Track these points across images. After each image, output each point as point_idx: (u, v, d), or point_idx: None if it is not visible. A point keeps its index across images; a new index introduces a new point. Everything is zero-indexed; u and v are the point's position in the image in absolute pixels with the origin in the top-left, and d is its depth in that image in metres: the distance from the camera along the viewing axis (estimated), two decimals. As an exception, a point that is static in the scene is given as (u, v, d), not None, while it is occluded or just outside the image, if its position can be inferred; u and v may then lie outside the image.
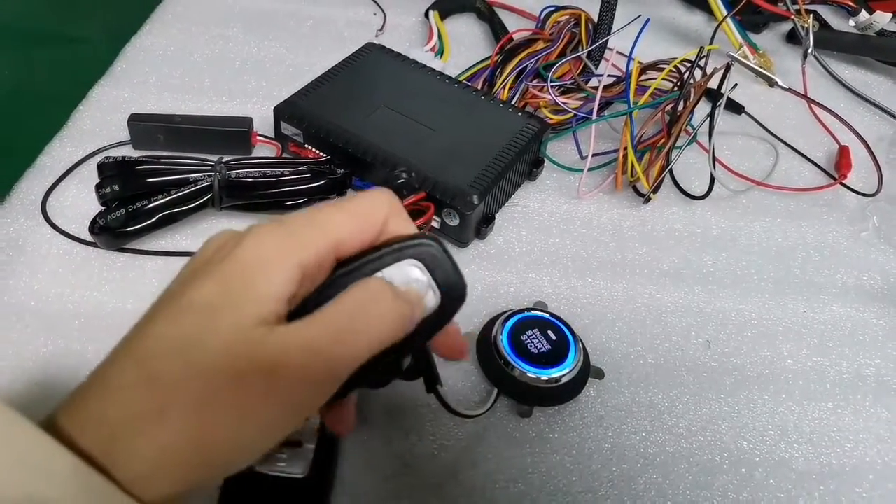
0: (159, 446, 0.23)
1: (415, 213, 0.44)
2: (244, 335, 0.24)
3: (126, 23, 0.65)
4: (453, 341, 0.32)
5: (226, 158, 0.48)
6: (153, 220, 0.45)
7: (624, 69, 0.54)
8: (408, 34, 0.67)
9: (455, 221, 0.48)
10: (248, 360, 0.23)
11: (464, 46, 0.67)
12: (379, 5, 0.69)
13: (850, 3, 0.71)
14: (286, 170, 0.47)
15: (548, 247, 0.51)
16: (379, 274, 0.27)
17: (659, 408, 0.42)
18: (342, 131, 0.50)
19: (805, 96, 0.59)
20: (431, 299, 0.28)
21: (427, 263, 0.27)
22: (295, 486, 0.34)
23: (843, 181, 0.57)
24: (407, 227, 0.28)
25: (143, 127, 0.52)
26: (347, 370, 0.25)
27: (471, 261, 0.49)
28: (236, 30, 0.65)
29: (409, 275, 0.27)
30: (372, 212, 0.27)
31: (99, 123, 0.55)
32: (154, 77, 0.60)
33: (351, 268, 0.26)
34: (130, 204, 0.45)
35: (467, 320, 0.45)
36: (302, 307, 0.26)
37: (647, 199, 0.53)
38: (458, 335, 0.33)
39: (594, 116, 0.52)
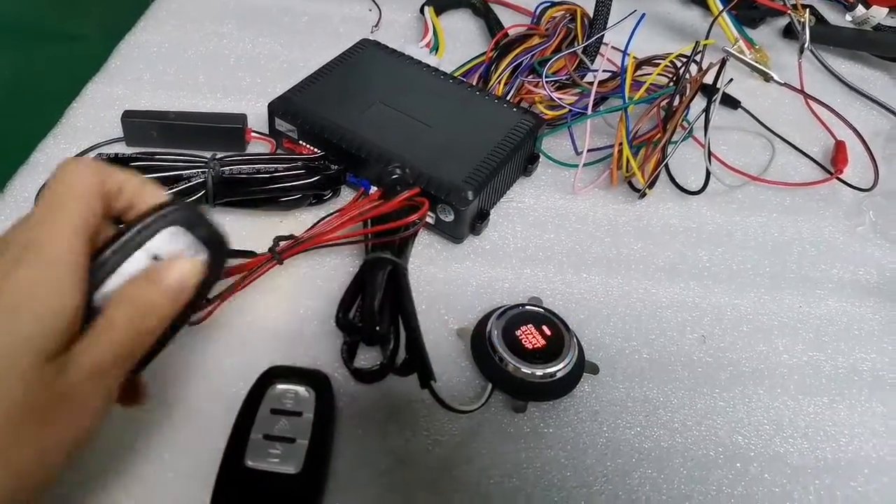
0: None
1: (409, 209, 0.44)
2: (35, 377, 0.24)
3: (121, 20, 0.65)
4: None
5: (220, 155, 0.48)
6: (147, 216, 0.45)
7: (619, 64, 0.54)
8: (403, 30, 0.67)
9: (450, 217, 0.47)
10: (44, 396, 0.25)
11: (459, 42, 0.66)
12: (374, 1, 0.69)
13: (846, -2, 0.71)
14: (280, 166, 0.47)
15: (543, 242, 0.50)
16: (144, 247, 0.28)
17: (654, 403, 0.42)
18: (336, 127, 0.50)
19: (801, 91, 0.59)
20: (201, 257, 0.29)
21: (187, 225, 0.29)
22: (288, 482, 0.34)
23: (840, 176, 0.57)
24: (153, 193, 0.29)
25: (137, 124, 0.52)
26: (134, 366, 0.27)
27: (465, 256, 0.49)
28: (231, 26, 0.65)
29: (174, 242, 0.28)
30: (82, 189, 0.27)
31: (93, 120, 0.55)
32: (148, 74, 0.59)
33: (116, 247, 0.28)
34: (124, 201, 0.45)
35: (461, 316, 0.45)
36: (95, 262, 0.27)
37: (643, 195, 0.53)
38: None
39: (589, 112, 0.51)
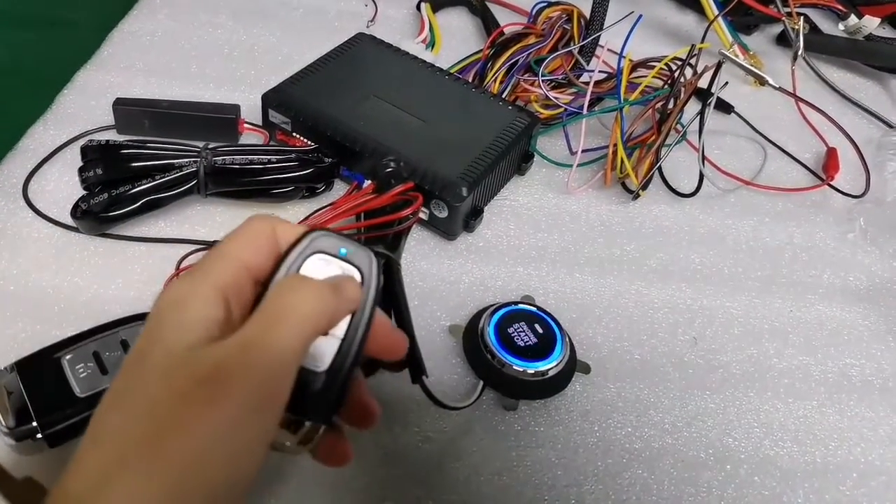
0: (131, 498, 0.22)
1: (403, 203, 0.43)
2: (177, 359, 0.23)
3: (113, 7, 0.64)
4: (387, 338, 0.31)
5: (212, 145, 0.47)
6: (136, 205, 0.45)
7: (615, 66, 0.54)
8: (399, 26, 0.67)
9: (444, 213, 0.47)
10: (186, 377, 0.23)
11: (455, 40, 0.66)
12: (371, -4, 0.69)
13: (839, 7, 0.71)
14: (273, 157, 0.47)
15: (536, 241, 0.50)
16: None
17: (645, 403, 0.42)
18: (331, 120, 0.50)
19: (794, 95, 0.59)
20: (356, 276, 0.28)
21: (328, 251, 0.28)
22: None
23: (831, 182, 0.57)
24: (295, 230, 0.28)
25: (129, 111, 0.51)
26: (289, 354, 0.25)
27: (458, 253, 0.48)
28: (225, 17, 0.65)
29: (322, 266, 0.27)
30: (258, 229, 0.28)
31: (84, 108, 0.54)
32: (141, 62, 0.59)
33: (269, 282, 0.27)
34: (114, 188, 0.44)
35: (454, 313, 0.45)
36: None
37: (636, 196, 0.53)
38: (390, 330, 0.31)
39: (585, 112, 0.51)
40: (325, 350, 0.27)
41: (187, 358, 0.23)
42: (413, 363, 0.39)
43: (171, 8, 0.65)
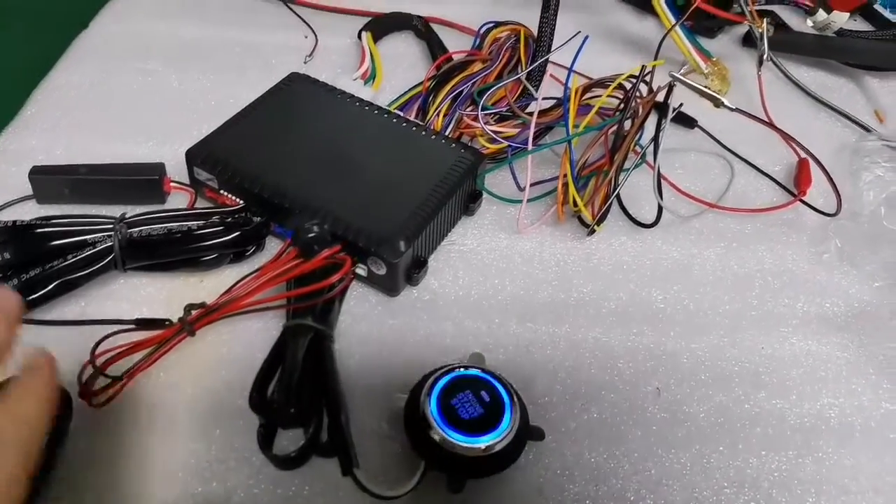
0: None
1: (332, 266, 0.40)
2: None
3: (38, 63, 0.61)
4: None
5: (129, 214, 0.44)
6: (50, 288, 0.42)
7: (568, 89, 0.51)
8: (341, 58, 0.64)
9: (382, 270, 0.44)
10: None
11: (401, 68, 0.63)
12: (311, 27, 0.66)
13: (807, 3, 0.68)
14: (193, 224, 0.44)
15: (486, 289, 0.47)
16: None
17: (604, 470, 0.39)
18: (257, 175, 0.47)
19: (752, 116, 0.55)
20: None
21: None
22: None
23: (803, 198, 0.53)
24: None
25: (46, 180, 0.48)
26: None
27: (402, 310, 0.45)
28: (157, 63, 0.61)
29: None
30: None
31: (3, 176, 0.51)
32: (65, 120, 0.56)
33: None
34: (24, 272, 0.42)
35: (398, 379, 0.41)
36: None
37: (592, 231, 0.50)
38: None
39: (530, 147, 0.48)
40: None
41: None
42: (342, 453, 0.36)
43: (100, 57, 0.61)
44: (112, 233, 0.42)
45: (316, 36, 0.65)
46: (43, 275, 0.41)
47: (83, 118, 0.56)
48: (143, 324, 0.42)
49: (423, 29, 0.65)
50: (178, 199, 0.50)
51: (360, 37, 0.63)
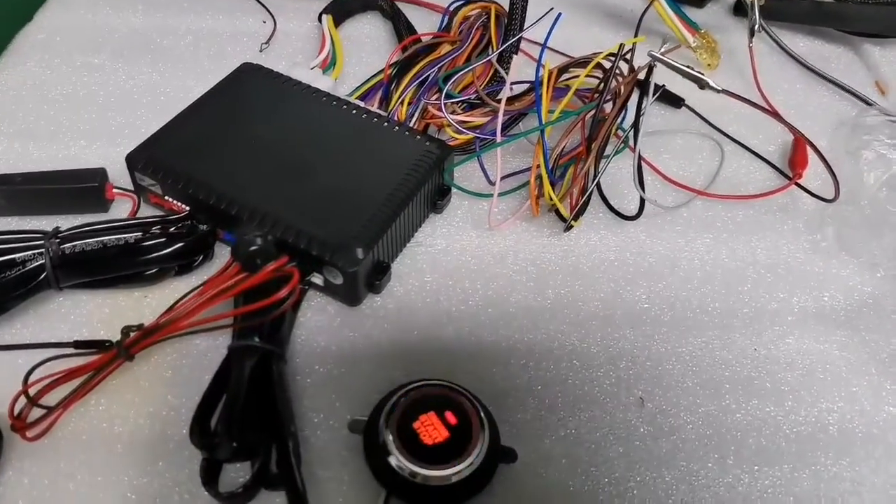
0: None
1: (280, 280, 0.37)
2: None
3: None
4: None
5: (63, 228, 0.41)
6: (-23, 311, 0.38)
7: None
8: (301, 44, 0.59)
9: (339, 280, 0.40)
10: None
11: (365, 53, 0.59)
12: (269, 10, 0.61)
13: (801, -35, 0.63)
14: (132, 236, 0.40)
15: (456, 293, 0.44)
16: None
17: (581, 496, 0.36)
18: (203, 179, 0.43)
19: (742, 98, 0.51)
20: None
21: None
22: None
23: (799, 181, 0.49)
24: None
25: (-22, 192, 0.45)
26: None
27: (364, 321, 0.42)
28: (104, 57, 0.57)
29: None
30: None
31: (-64, 187, 0.47)
32: (4, 124, 0.52)
33: None
34: (-51, 296, 0.38)
35: (359, 399, 0.38)
36: None
37: (568, 227, 0.46)
38: None
39: (498, 138, 0.44)
40: None
41: None
42: (290, 488, 0.33)
43: (42, 53, 0.57)
44: (42, 250, 0.39)
45: (275, 20, 0.60)
46: (-31, 298, 0.38)
47: (24, 121, 0.52)
48: (82, 346, 0.39)
49: (388, 9, 0.60)
50: (123, 207, 0.46)
51: (320, 20, 0.59)
